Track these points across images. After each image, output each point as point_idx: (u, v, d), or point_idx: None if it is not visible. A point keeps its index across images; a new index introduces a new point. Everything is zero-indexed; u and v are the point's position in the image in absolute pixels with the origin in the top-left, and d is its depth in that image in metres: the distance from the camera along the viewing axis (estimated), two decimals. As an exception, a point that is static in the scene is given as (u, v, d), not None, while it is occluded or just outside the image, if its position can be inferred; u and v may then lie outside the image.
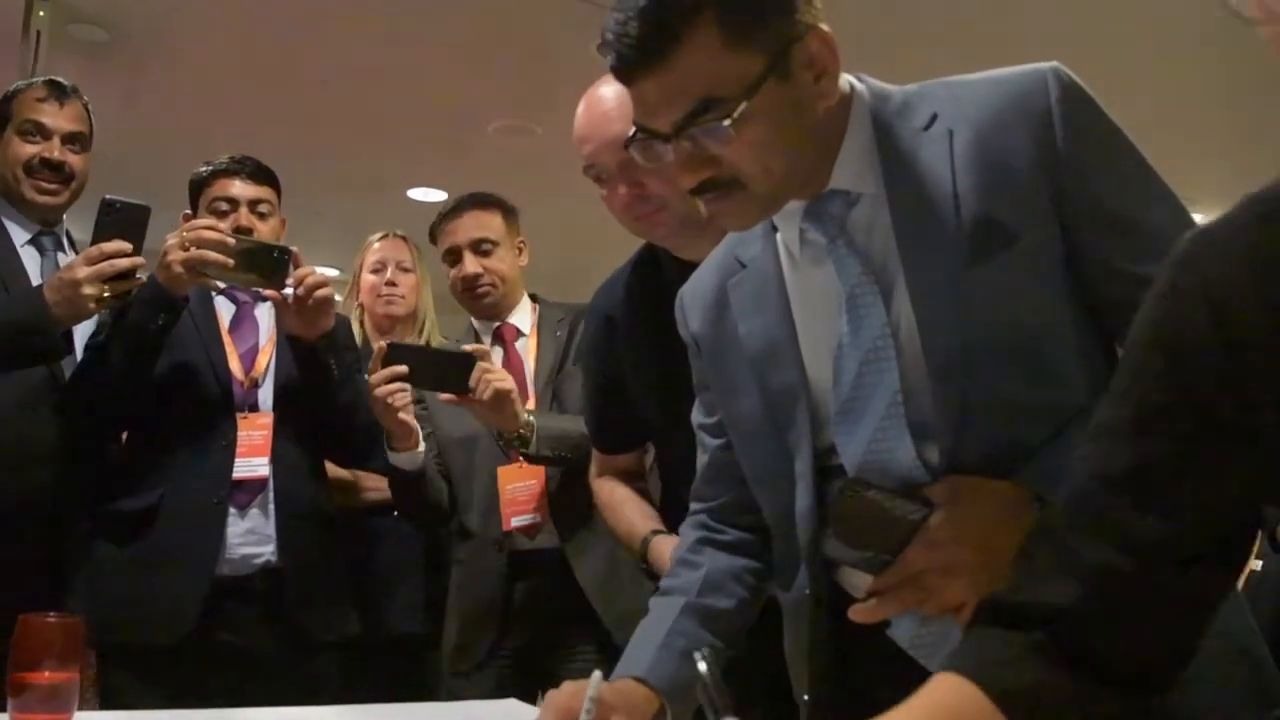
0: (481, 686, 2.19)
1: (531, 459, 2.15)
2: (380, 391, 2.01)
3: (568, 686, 1.11)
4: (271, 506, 2.15)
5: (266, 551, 2.14)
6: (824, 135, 1.08)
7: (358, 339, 2.87)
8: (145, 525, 2.09)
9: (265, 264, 2.04)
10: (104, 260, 1.93)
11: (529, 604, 2.24)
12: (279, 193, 2.32)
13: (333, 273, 8.02)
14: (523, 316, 2.41)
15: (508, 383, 2.04)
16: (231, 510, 2.12)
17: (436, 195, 5.96)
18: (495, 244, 2.35)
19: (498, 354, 2.35)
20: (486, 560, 2.26)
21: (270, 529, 2.15)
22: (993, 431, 1.03)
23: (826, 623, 1.13)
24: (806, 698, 1.17)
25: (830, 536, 1.05)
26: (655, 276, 1.66)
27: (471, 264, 2.33)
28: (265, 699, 1.66)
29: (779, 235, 1.16)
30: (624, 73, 1.02)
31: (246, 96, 4.63)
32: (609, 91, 1.52)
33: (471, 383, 2.01)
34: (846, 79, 1.10)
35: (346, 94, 4.64)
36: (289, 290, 2.09)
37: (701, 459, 1.32)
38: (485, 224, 2.35)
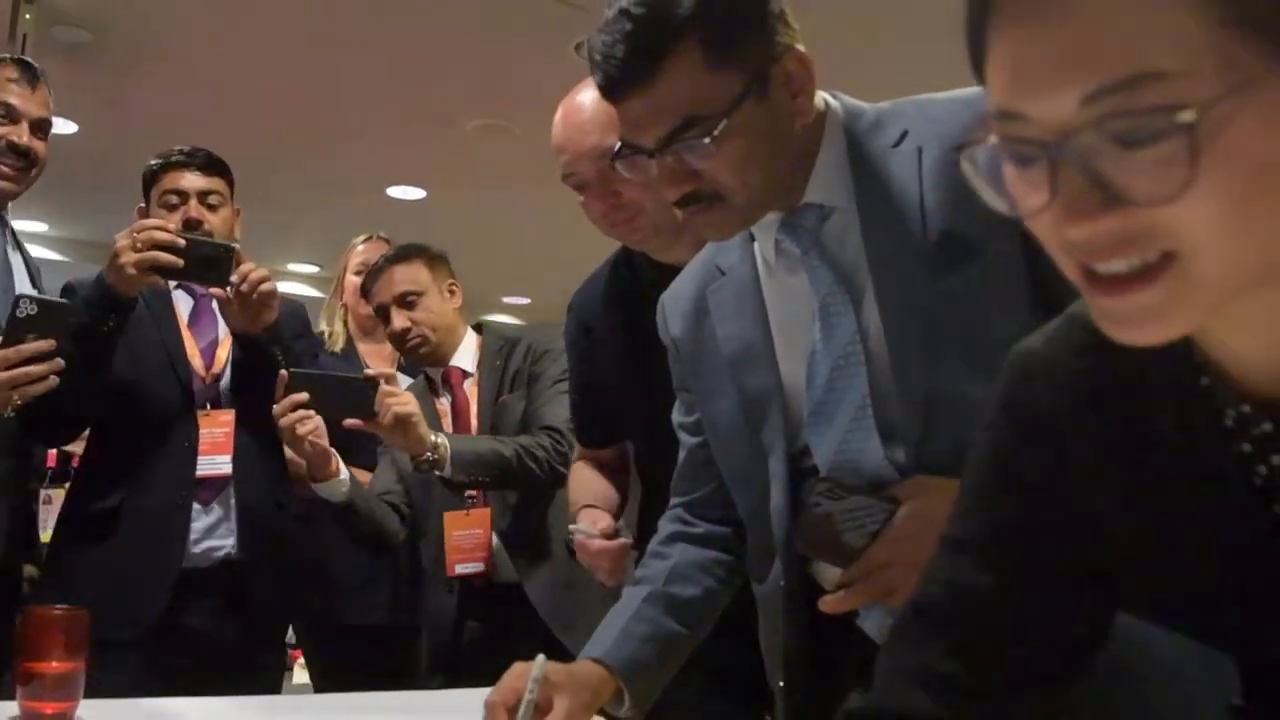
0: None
1: (449, 484, 2.18)
2: (284, 421, 2.02)
3: (516, 668, 1.15)
4: (233, 501, 2.17)
5: (227, 545, 2.15)
6: (800, 151, 1.13)
7: (340, 339, 2.93)
8: (109, 528, 2.09)
9: (211, 262, 2.04)
10: (20, 365, 1.80)
11: (486, 640, 2.28)
12: (231, 184, 2.31)
13: (313, 270, 8.05)
14: (466, 356, 2.45)
15: (409, 406, 2.07)
16: (194, 505, 2.13)
17: (416, 194, 6.00)
18: (420, 294, 2.39)
19: (447, 399, 2.41)
20: (438, 601, 2.34)
21: (231, 523, 2.16)
22: (956, 433, 1.08)
23: (799, 613, 1.19)
24: (781, 684, 1.23)
25: (802, 533, 1.12)
26: (632, 278, 1.70)
27: (399, 319, 2.37)
28: (228, 688, 1.65)
29: (756, 245, 1.22)
30: (610, 92, 1.08)
31: (229, 97, 4.64)
32: (585, 100, 1.55)
33: (375, 408, 2.04)
34: (822, 96, 1.16)
35: (327, 93, 4.67)
36: (231, 287, 2.09)
37: (681, 455, 1.38)
38: (409, 276, 2.40)
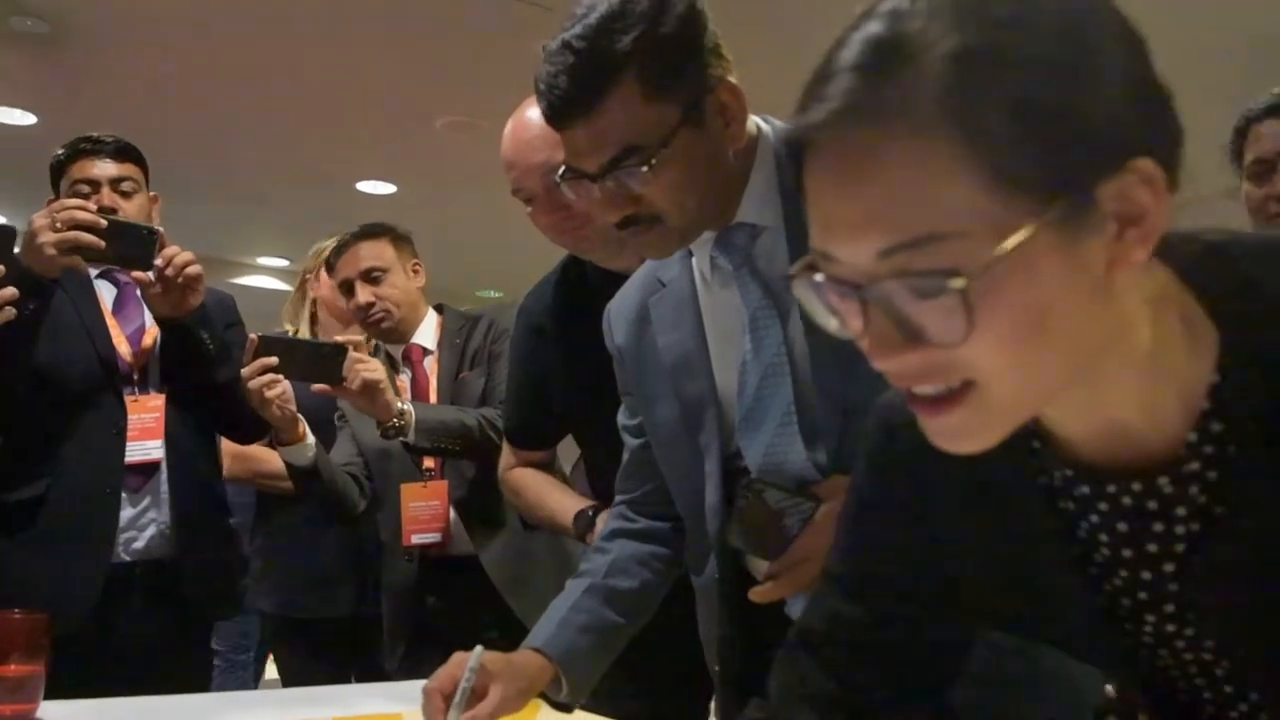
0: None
1: (411, 449, 2.25)
2: (253, 384, 2.07)
3: (456, 657, 1.22)
4: (164, 489, 2.14)
5: (152, 533, 2.13)
6: (733, 174, 1.21)
7: (305, 333, 2.97)
8: (32, 515, 2.05)
9: (135, 245, 2.00)
10: None
11: (447, 612, 2.34)
12: (145, 170, 2.26)
13: (281, 263, 8.03)
14: (426, 334, 2.51)
15: (378, 373, 2.13)
16: (123, 494, 2.09)
17: (386, 188, 6.03)
18: (385, 271, 2.45)
19: (406, 375, 2.47)
20: (398, 572, 2.40)
21: (160, 512, 2.13)
22: None
23: (733, 603, 1.28)
24: (717, 668, 1.32)
25: (735, 529, 1.21)
26: (581, 283, 1.75)
27: (363, 293, 2.43)
28: (162, 684, 1.66)
29: (694, 260, 1.30)
30: (554, 120, 1.15)
31: (192, 89, 4.65)
32: (533, 116, 1.58)
33: (343, 373, 2.10)
34: (754, 120, 1.24)
35: (294, 87, 4.70)
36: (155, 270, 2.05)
37: (624, 456, 1.46)
38: (375, 253, 2.46)
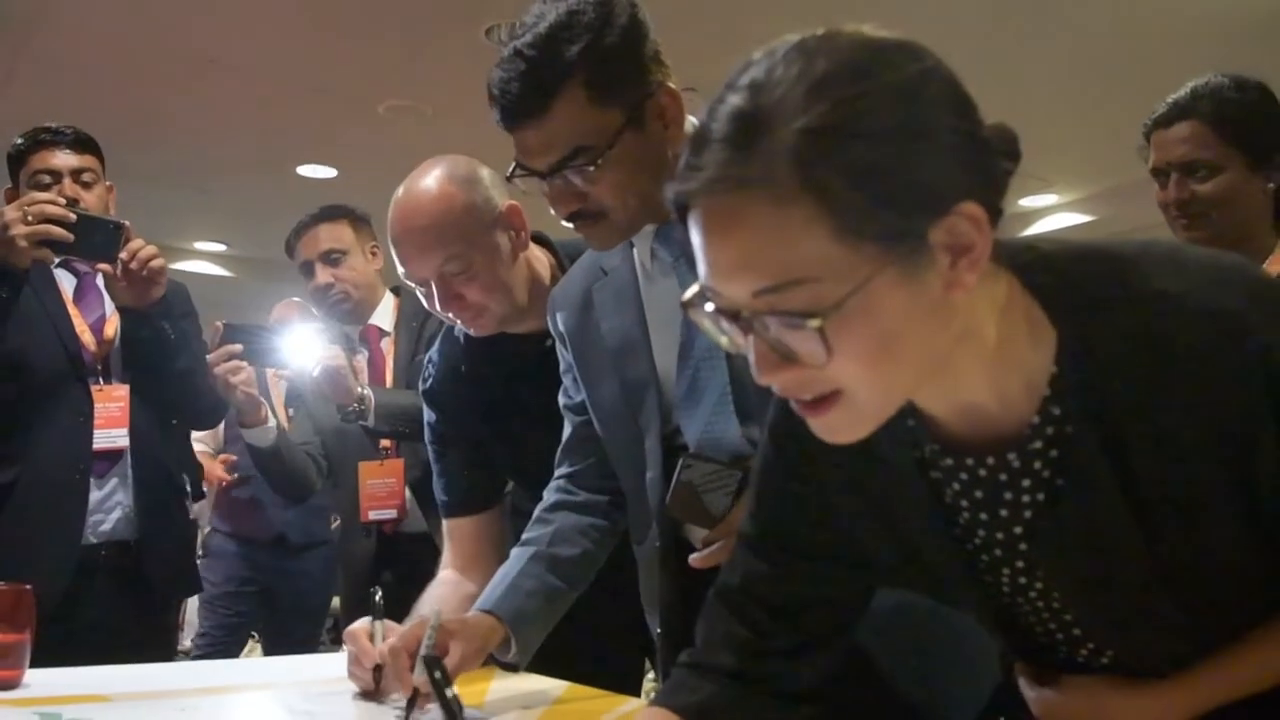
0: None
1: (371, 432, 2.32)
2: (220, 370, 2.16)
3: (418, 620, 1.32)
4: (130, 474, 2.19)
5: (117, 517, 2.18)
6: (673, 172, 1.29)
7: None
8: (2, 501, 2.09)
9: (101, 238, 2.06)
10: None
11: (401, 589, 2.40)
12: (102, 161, 2.30)
13: (220, 248, 7.94)
14: (384, 315, 2.57)
15: (337, 360, 2.22)
16: (91, 479, 2.15)
17: (327, 172, 6.00)
18: (344, 253, 2.52)
19: (364, 355, 2.52)
20: (356, 544, 2.47)
21: (124, 497, 2.19)
22: None
23: (673, 569, 1.37)
24: (659, 630, 1.41)
25: (674, 500, 1.29)
26: (467, 350, 1.69)
27: (322, 275, 2.50)
28: (129, 660, 1.66)
29: (635, 251, 1.38)
30: (507, 122, 1.24)
31: (131, 74, 4.60)
32: (423, 204, 1.52)
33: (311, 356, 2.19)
34: (692, 121, 1.32)
35: (234, 71, 4.68)
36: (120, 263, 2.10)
37: (566, 431, 1.54)
38: (334, 235, 2.52)
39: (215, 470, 3.41)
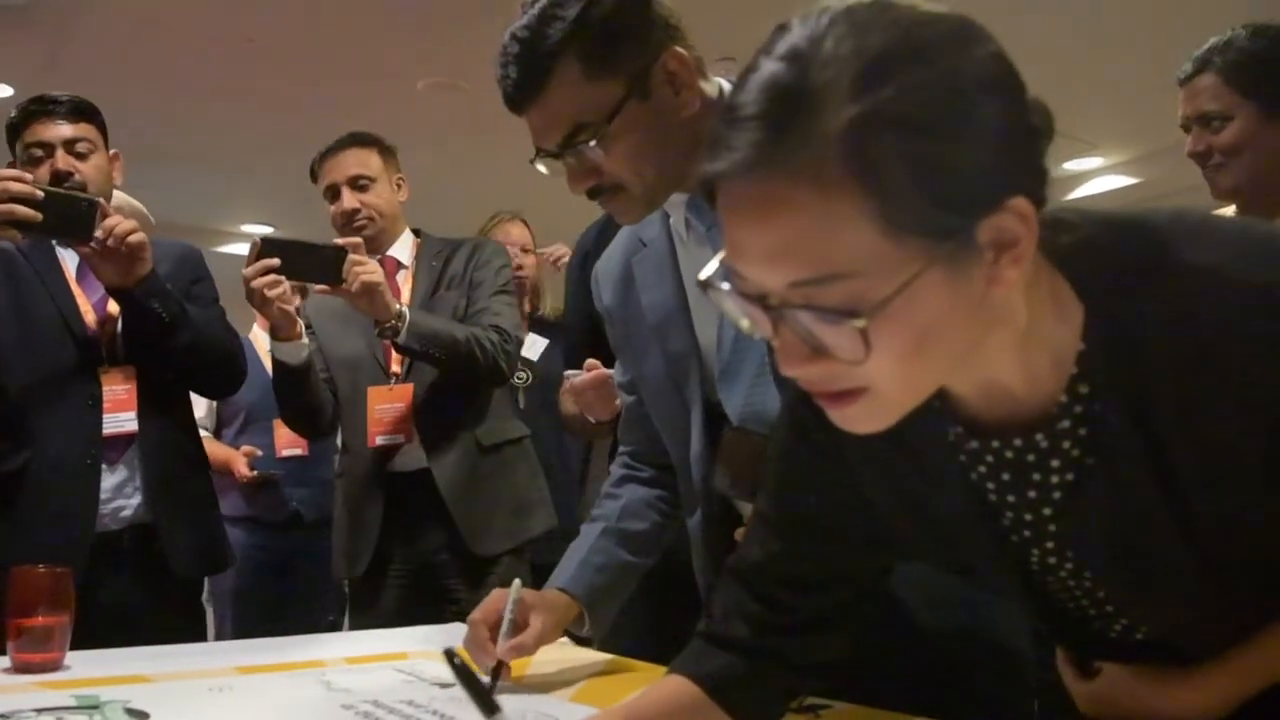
0: (385, 610, 2.39)
1: (399, 348, 2.31)
2: (256, 284, 2.11)
3: (495, 593, 1.34)
4: (138, 458, 2.14)
5: (133, 504, 2.13)
6: (695, 137, 1.24)
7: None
8: (15, 490, 2.05)
9: (73, 216, 1.96)
10: None
11: (406, 525, 2.42)
12: (103, 128, 2.20)
13: (267, 230, 8.04)
14: (403, 249, 2.56)
15: (376, 275, 2.19)
16: (104, 465, 2.10)
17: (367, 150, 6.00)
18: (372, 180, 2.49)
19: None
20: (364, 468, 2.45)
21: (138, 482, 2.14)
22: None
23: (719, 541, 1.34)
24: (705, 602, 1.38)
25: (719, 473, 1.26)
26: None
27: (349, 199, 2.47)
28: (158, 643, 1.62)
29: (671, 220, 1.34)
30: (512, 106, 1.22)
31: (171, 57, 4.63)
32: None
33: (343, 274, 2.15)
34: (717, 81, 1.27)
35: (273, 51, 4.68)
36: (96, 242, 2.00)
37: (622, 410, 1.52)
38: (363, 161, 2.50)
39: (238, 464, 3.41)
